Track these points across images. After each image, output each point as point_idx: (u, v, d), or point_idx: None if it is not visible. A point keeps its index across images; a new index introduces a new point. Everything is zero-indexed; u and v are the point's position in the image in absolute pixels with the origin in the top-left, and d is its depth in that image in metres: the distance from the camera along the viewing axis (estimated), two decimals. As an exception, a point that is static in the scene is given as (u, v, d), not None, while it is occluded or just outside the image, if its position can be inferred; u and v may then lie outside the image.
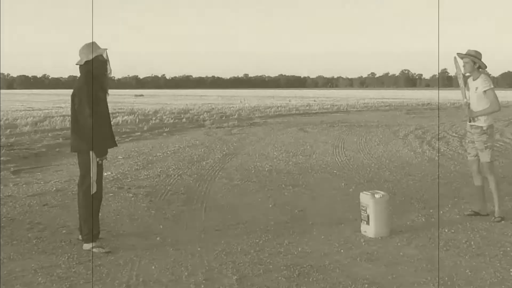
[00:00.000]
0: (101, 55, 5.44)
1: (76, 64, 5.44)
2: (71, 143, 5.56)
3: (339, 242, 5.52)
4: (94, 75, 5.38)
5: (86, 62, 5.36)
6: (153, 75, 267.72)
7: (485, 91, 6.36)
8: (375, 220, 5.68)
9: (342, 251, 5.25)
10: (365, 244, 5.48)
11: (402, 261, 4.92)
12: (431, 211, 6.76)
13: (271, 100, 56.00)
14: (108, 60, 5.54)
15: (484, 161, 6.46)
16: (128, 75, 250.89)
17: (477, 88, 6.42)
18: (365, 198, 5.82)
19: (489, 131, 6.44)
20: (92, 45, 5.40)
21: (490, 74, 6.62)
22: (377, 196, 5.77)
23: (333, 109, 33.94)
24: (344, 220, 6.39)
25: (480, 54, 6.48)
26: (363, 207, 5.82)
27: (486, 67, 6.52)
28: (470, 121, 6.51)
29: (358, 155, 12.06)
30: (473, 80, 6.50)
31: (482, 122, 6.44)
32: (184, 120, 23.23)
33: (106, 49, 5.50)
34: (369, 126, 20.39)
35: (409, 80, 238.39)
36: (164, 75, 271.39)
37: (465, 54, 6.46)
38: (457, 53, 6.55)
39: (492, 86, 6.38)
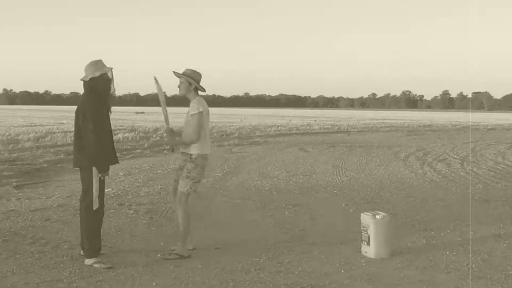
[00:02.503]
0: (106, 74, 5.50)
1: (81, 80, 5.49)
2: (73, 159, 5.61)
3: (339, 262, 5.52)
4: (98, 92, 5.44)
5: (91, 78, 5.42)
6: (154, 93, 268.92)
7: (192, 115, 5.70)
8: (376, 241, 5.69)
9: (342, 271, 5.26)
10: (365, 264, 5.48)
11: (402, 283, 4.92)
12: (432, 233, 6.76)
13: (272, 119, 56.17)
14: (113, 79, 5.60)
15: (180, 190, 5.74)
16: (129, 92, 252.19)
17: (188, 111, 5.78)
18: (366, 218, 5.83)
19: (198, 161, 5.70)
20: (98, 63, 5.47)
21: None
22: (378, 217, 5.78)
23: (333, 129, 34.00)
24: (345, 240, 6.40)
25: (199, 74, 5.79)
26: (364, 227, 5.83)
27: (204, 90, 5.84)
28: (173, 150, 5.93)
29: (359, 176, 12.07)
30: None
31: (191, 149, 5.71)
32: (185, 137, 23.23)
33: (112, 68, 5.56)
34: (369, 146, 20.43)
35: (410, 101, 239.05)
36: (164, 92, 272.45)
37: (181, 74, 5.77)
38: (173, 71, 5.86)
39: (200, 111, 5.66)
